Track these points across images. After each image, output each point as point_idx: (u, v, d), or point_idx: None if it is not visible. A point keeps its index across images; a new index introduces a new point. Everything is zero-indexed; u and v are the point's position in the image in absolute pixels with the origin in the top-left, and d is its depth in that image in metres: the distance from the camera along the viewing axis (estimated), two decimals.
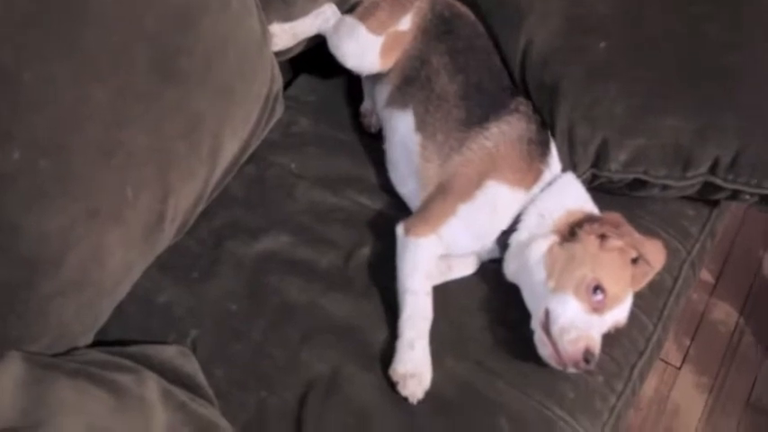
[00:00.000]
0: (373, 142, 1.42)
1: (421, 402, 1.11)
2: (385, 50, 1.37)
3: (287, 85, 1.50)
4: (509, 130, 1.24)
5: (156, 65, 1.10)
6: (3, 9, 0.90)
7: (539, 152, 1.25)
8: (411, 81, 1.34)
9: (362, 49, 1.38)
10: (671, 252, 1.33)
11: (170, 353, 1.13)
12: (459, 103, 1.27)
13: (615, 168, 1.29)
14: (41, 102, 0.96)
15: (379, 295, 1.22)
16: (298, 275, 1.24)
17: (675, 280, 1.33)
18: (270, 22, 1.39)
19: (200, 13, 1.16)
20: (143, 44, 1.07)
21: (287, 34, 1.45)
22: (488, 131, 1.24)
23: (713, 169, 1.29)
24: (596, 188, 1.34)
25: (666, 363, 1.90)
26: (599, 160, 1.30)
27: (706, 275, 2.07)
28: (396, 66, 1.38)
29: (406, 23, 1.38)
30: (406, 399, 1.11)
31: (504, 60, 1.36)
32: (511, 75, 1.36)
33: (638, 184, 1.33)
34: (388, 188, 1.36)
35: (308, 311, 1.20)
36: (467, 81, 1.29)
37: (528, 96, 1.33)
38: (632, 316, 1.21)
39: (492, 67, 1.33)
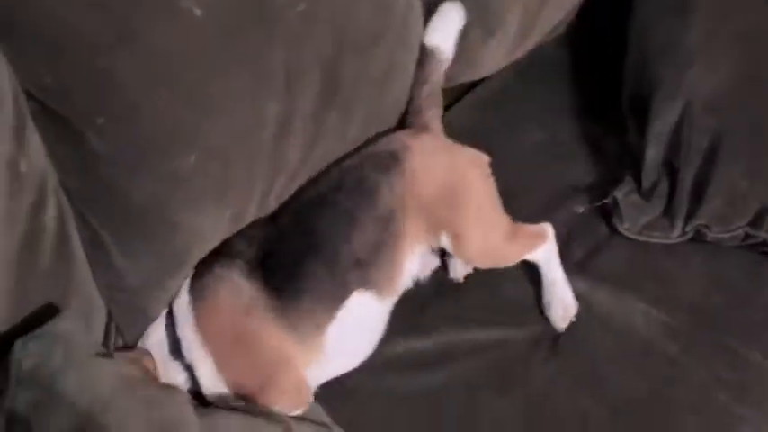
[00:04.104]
0: (523, 177, 1.42)
1: None
2: None
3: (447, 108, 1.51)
4: None
5: (324, 90, 1.15)
6: (195, 27, 0.97)
7: None
8: None
9: None
10: None
11: None
12: None
13: None
14: (221, 112, 1.03)
15: None
16: None
17: None
18: None
19: (375, 44, 1.21)
20: (317, 69, 1.13)
21: None
22: None
23: None
24: (746, 247, 1.30)
25: None
26: (757, 219, 1.25)
27: None
28: None
29: None
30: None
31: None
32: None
33: None
34: None
35: None
36: None
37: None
38: None
39: None
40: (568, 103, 1.54)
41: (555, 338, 1.22)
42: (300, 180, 1.22)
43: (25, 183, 0.91)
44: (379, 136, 1.28)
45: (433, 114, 1.33)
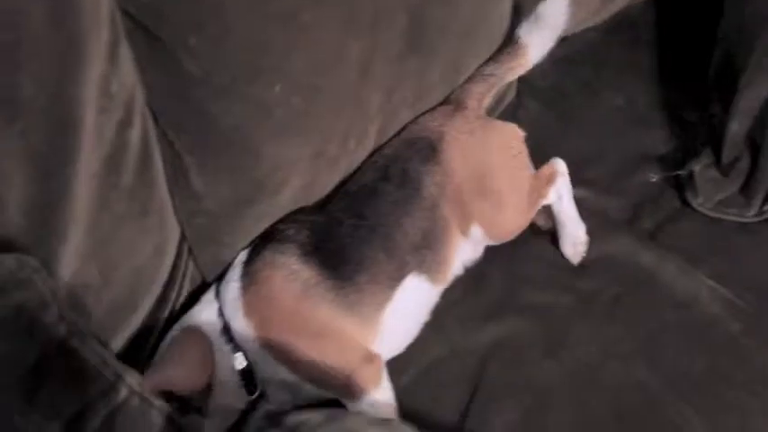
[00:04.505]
0: (597, 141, 1.40)
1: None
2: None
3: None
4: None
5: (408, 33, 1.15)
6: None
7: None
8: None
9: None
10: None
11: None
12: None
13: None
14: (309, 43, 1.03)
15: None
16: None
17: None
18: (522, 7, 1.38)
19: None
20: (403, 12, 1.13)
21: None
22: None
23: None
24: None
25: None
26: None
27: None
28: None
29: None
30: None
31: None
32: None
33: None
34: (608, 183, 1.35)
35: None
36: None
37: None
38: None
39: None
40: (650, 69, 1.51)
41: (613, 302, 1.20)
42: (376, 126, 1.22)
43: (114, 99, 0.93)
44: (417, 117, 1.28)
45: (476, 92, 1.32)
